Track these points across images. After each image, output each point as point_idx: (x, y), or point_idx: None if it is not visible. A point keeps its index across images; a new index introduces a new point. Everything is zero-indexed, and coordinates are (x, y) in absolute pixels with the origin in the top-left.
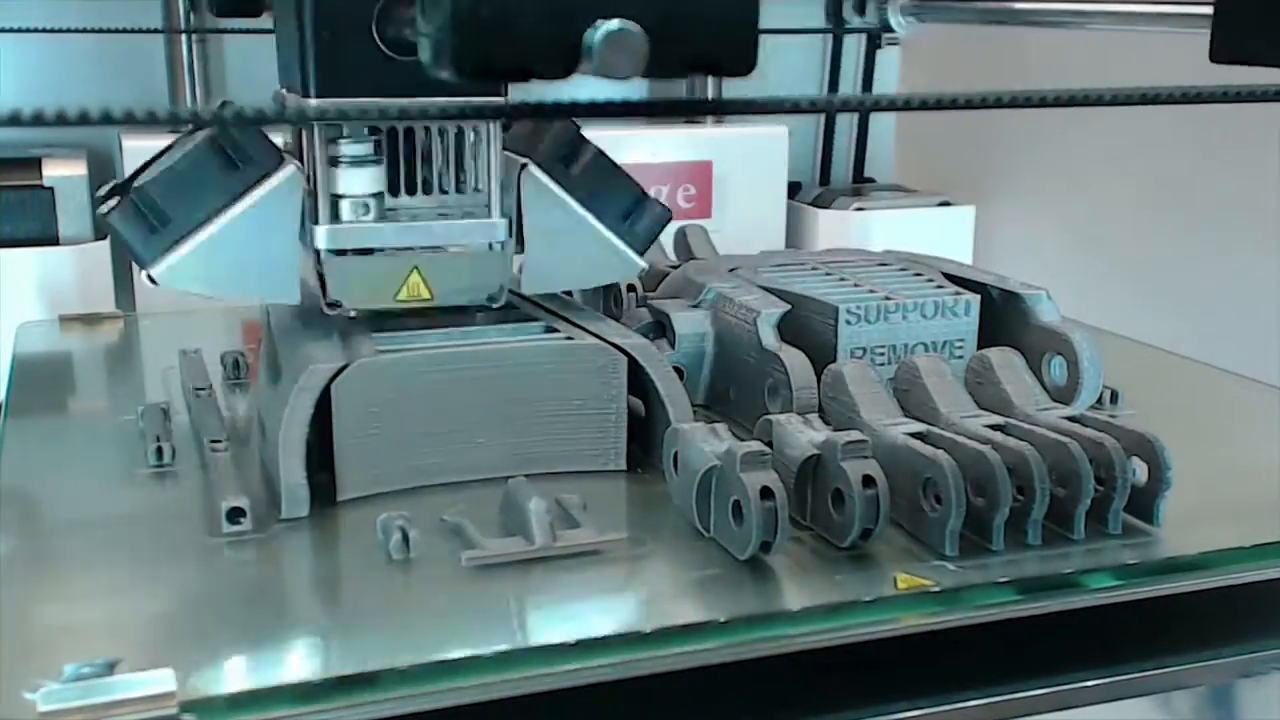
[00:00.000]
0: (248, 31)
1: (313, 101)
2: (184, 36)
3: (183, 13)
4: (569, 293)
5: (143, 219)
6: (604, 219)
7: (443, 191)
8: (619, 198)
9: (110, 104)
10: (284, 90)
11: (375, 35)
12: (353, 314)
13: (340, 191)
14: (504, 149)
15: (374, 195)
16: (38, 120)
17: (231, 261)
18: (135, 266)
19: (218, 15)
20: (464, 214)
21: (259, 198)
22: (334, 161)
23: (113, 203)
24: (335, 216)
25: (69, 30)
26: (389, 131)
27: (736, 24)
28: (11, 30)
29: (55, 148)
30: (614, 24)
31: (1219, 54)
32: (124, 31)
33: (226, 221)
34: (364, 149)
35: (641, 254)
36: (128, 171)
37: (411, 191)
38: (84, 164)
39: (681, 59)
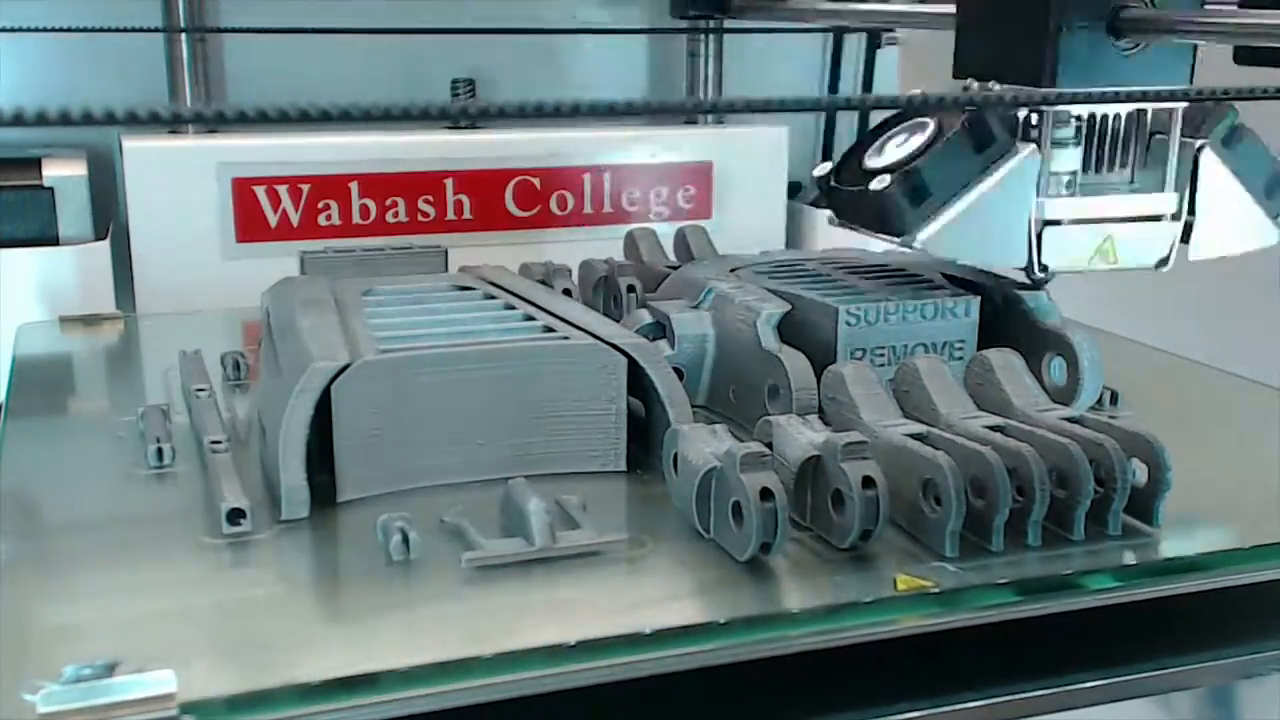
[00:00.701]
0: (248, 31)
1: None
2: (184, 36)
3: (183, 13)
4: (568, 292)
5: (909, 193)
6: (1254, 193)
7: (1129, 169)
8: (1265, 174)
9: (110, 104)
10: (974, 82)
11: (1107, 29)
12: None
13: (1054, 169)
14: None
15: (1073, 172)
16: (38, 120)
17: (978, 229)
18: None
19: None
20: (1139, 189)
21: (1004, 174)
22: (1053, 143)
23: (885, 180)
24: (1049, 191)
25: (69, 30)
26: (1089, 117)
27: None
28: (11, 30)
29: (55, 148)
30: None
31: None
32: (124, 31)
33: (977, 194)
34: (1071, 132)
35: (1275, 223)
36: (127, 171)
37: (1100, 169)
38: (84, 164)
39: None
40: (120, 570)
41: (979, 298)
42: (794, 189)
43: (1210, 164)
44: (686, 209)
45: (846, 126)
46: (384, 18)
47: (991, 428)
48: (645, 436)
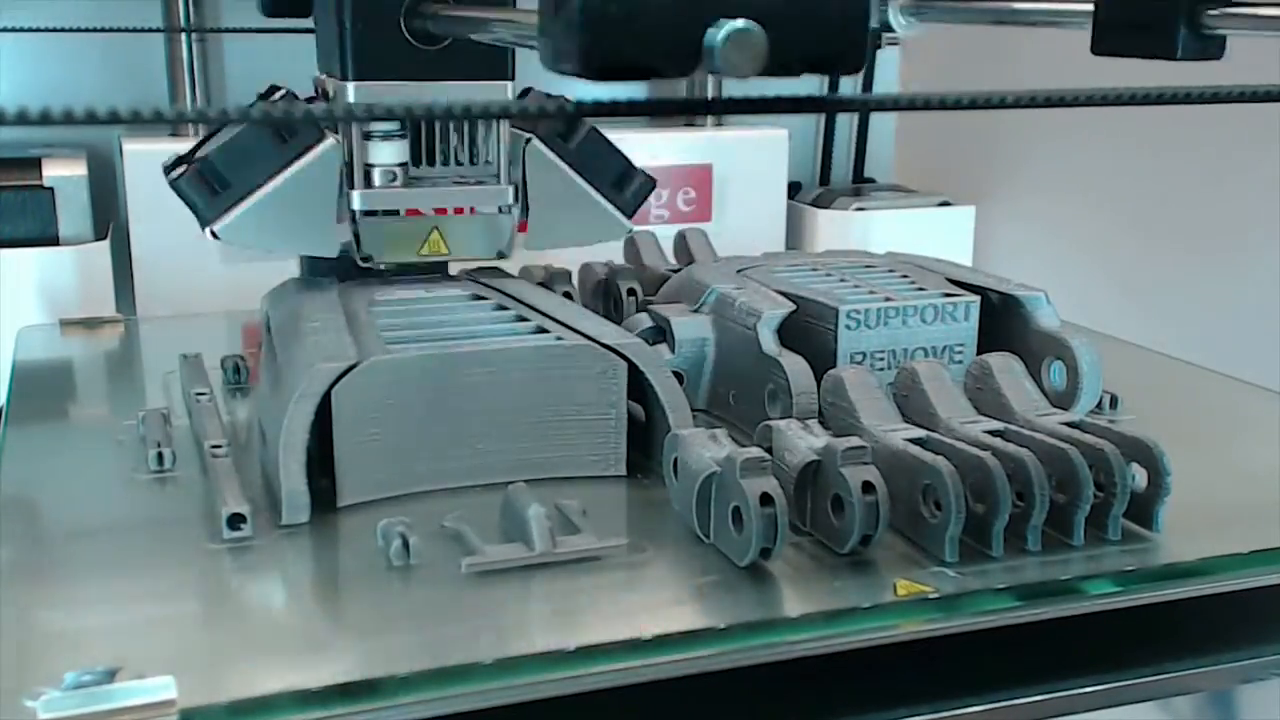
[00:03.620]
0: (248, 31)
1: (349, 85)
2: (184, 36)
3: (183, 13)
4: (569, 295)
5: (206, 183)
6: (597, 186)
7: (458, 163)
8: (610, 168)
9: (110, 104)
10: (323, 75)
11: (403, 27)
12: (370, 262)
13: (372, 161)
14: (511, 126)
15: (400, 165)
16: (41, 120)
17: (280, 219)
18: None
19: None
20: (476, 182)
21: (304, 165)
22: (367, 136)
23: (180, 170)
24: (368, 183)
25: (69, 30)
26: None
27: (850, 22)
28: (12, 30)
29: (55, 148)
30: (737, 23)
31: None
32: (124, 31)
33: (277, 185)
34: (392, 125)
35: (630, 216)
36: (127, 175)
37: (432, 162)
38: (84, 164)
39: (798, 57)
40: (120, 575)
41: (978, 299)
42: (794, 189)
43: (538, 157)
44: (686, 211)
45: (846, 126)
46: None
47: (991, 432)
48: (645, 441)
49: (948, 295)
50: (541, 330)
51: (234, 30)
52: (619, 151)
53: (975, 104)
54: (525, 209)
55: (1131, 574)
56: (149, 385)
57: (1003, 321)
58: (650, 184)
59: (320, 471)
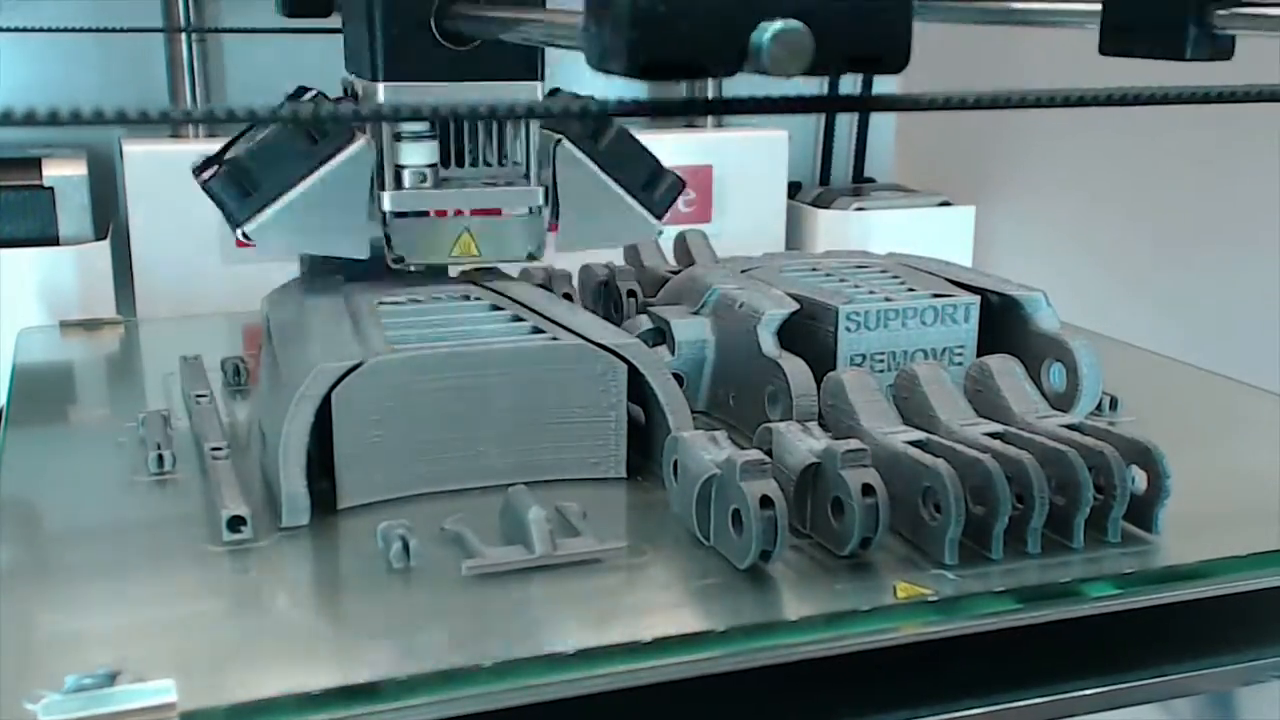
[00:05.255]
0: (248, 31)
1: (380, 86)
2: (184, 36)
3: (183, 13)
4: (569, 297)
5: (237, 184)
6: (627, 187)
7: (487, 164)
8: (639, 168)
9: (110, 104)
10: (352, 76)
11: (434, 28)
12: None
13: (402, 162)
14: (541, 128)
15: (430, 166)
16: (48, 120)
17: (311, 221)
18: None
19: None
20: (506, 183)
21: (335, 166)
22: (398, 136)
23: (211, 171)
24: (399, 184)
25: (69, 30)
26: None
27: (895, 22)
28: (12, 30)
29: (55, 148)
30: (783, 23)
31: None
32: (124, 31)
33: (307, 186)
34: (422, 126)
35: (659, 218)
36: (128, 176)
37: (461, 163)
38: (84, 164)
39: (843, 57)
40: (121, 578)
41: (978, 299)
42: (794, 189)
43: (568, 157)
44: (686, 212)
45: (846, 126)
46: None
47: (991, 435)
48: (645, 443)
49: (947, 297)
50: (541, 332)
51: (234, 30)
52: (648, 152)
53: (975, 104)
54: (556, 210)
55: (1131, 576)
56: (149, 387)
57: (1002, 323)
58: (680, 184)
59: (320, 473)
